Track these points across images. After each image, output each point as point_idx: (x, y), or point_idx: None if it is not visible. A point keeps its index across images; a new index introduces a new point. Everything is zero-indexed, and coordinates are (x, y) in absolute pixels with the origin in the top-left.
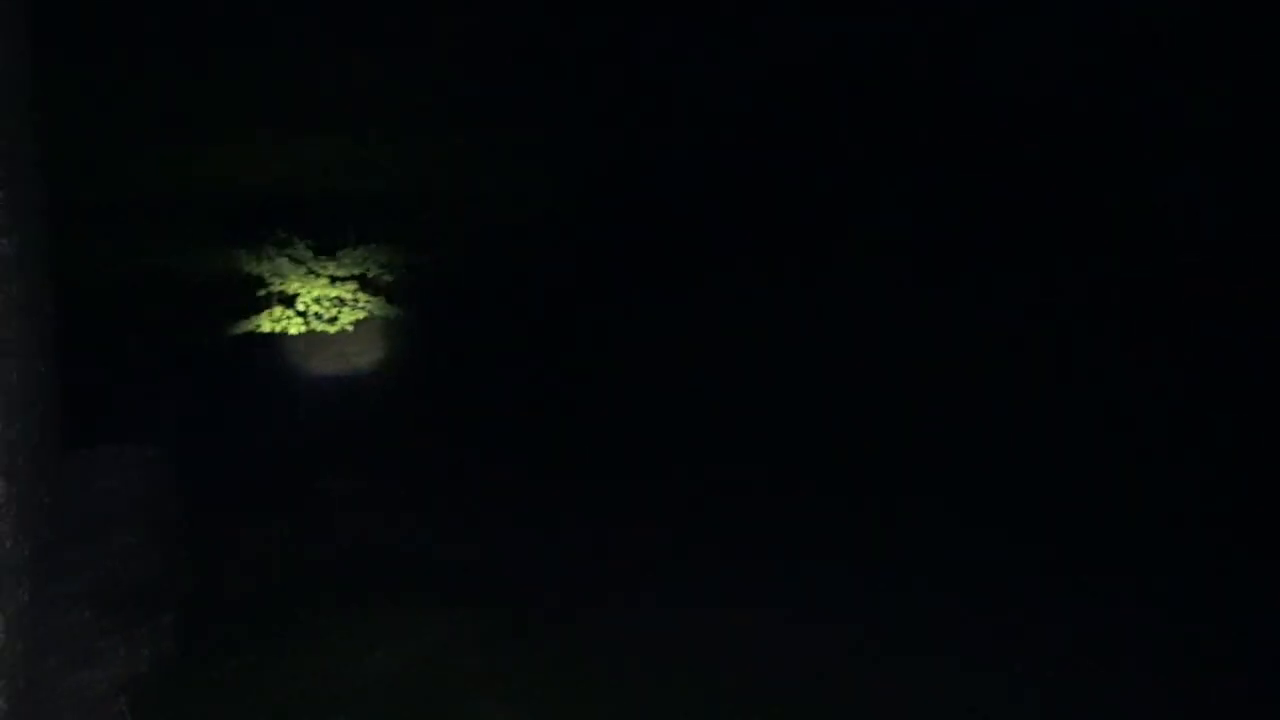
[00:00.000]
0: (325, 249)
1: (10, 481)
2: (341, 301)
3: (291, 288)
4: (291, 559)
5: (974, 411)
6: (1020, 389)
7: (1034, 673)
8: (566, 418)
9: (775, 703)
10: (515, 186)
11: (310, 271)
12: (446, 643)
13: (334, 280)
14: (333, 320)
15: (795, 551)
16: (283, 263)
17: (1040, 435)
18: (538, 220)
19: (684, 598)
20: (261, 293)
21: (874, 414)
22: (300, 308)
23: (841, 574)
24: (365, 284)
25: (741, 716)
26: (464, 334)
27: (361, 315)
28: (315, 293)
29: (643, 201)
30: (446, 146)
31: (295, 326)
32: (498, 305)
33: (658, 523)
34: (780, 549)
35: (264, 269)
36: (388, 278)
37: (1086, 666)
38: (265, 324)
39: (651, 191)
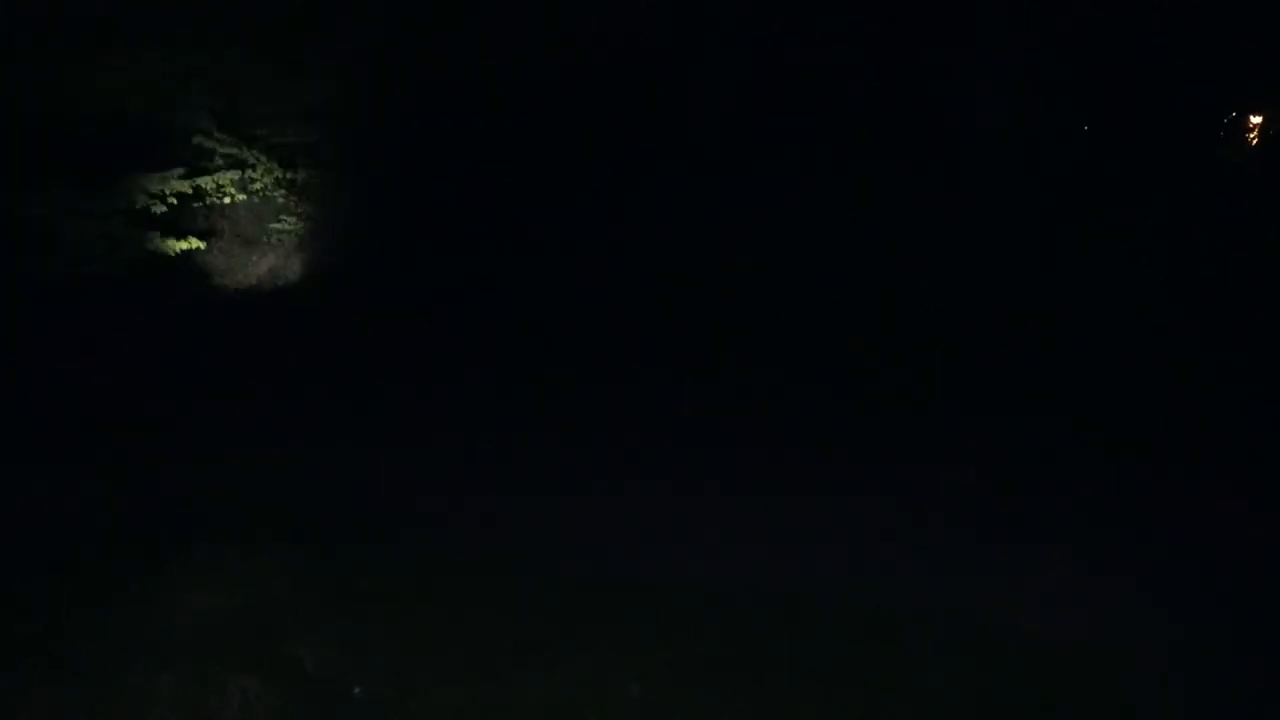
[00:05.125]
0: (89, 183)
1: None
2: (109, 238)
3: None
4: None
5: None
6: None
7: None
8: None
9: None
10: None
11: (79, 209)
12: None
13: (103, 218)
14: (115, 260)
15: None
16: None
17: None
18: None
19: None
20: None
21: None
22: (69, 247)
23: None
24: (146, 219)
25: None
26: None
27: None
28: (85, 227)
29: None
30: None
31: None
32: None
33: None
34: None
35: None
36: (162, 209)
37: None
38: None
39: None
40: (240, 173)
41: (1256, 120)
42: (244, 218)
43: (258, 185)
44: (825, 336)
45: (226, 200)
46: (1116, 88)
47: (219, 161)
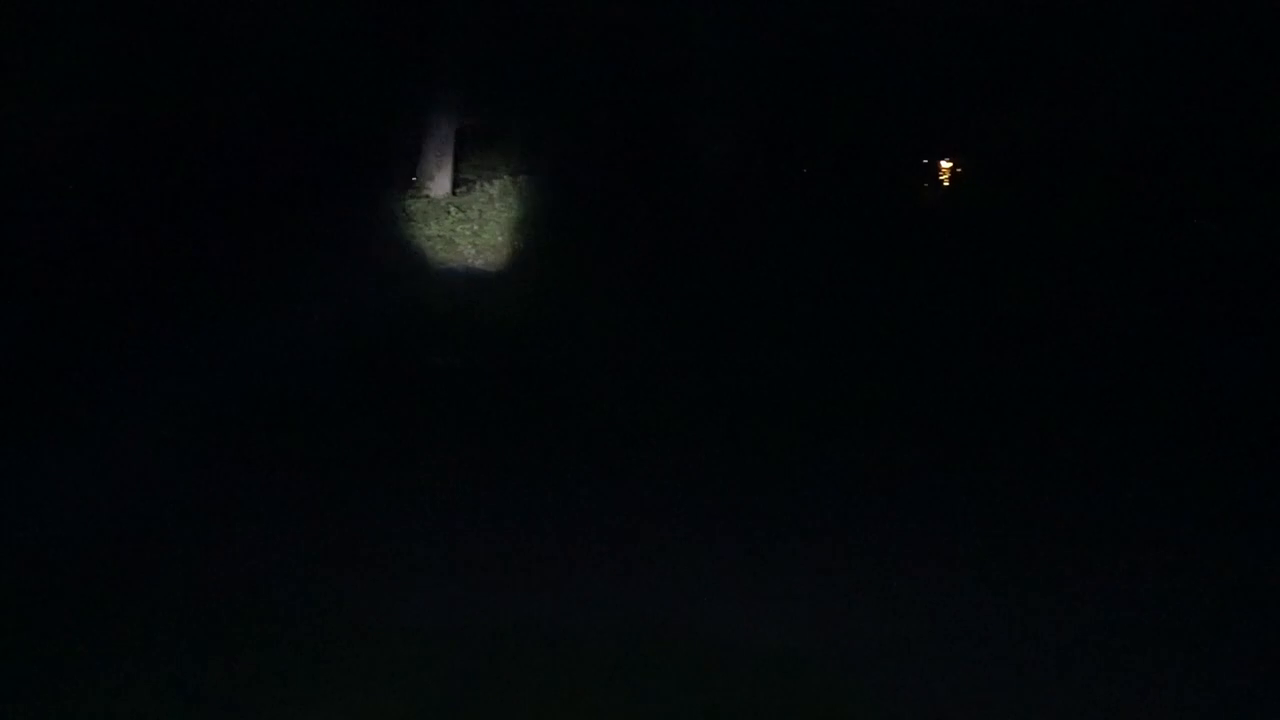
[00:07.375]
0: None
1: None
2: None
3: None
4: None
5: None
6: None
7: None
8: None
9: None
10: None
11: None
12: None
13: None
14: None
15: None
16: None
17: None
18: None
19: None
20: None
21: None
22: None
23: None
24: None
25: None
26: None
27: None
28: None
29: None
30: None
31: None
32: None
33: None
34: None
35: None
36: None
37: None
38: None
39: None
40: None
41: (947, 165)
42: None
43: None
44: None
45: None
46: (825, 140)
47: None
